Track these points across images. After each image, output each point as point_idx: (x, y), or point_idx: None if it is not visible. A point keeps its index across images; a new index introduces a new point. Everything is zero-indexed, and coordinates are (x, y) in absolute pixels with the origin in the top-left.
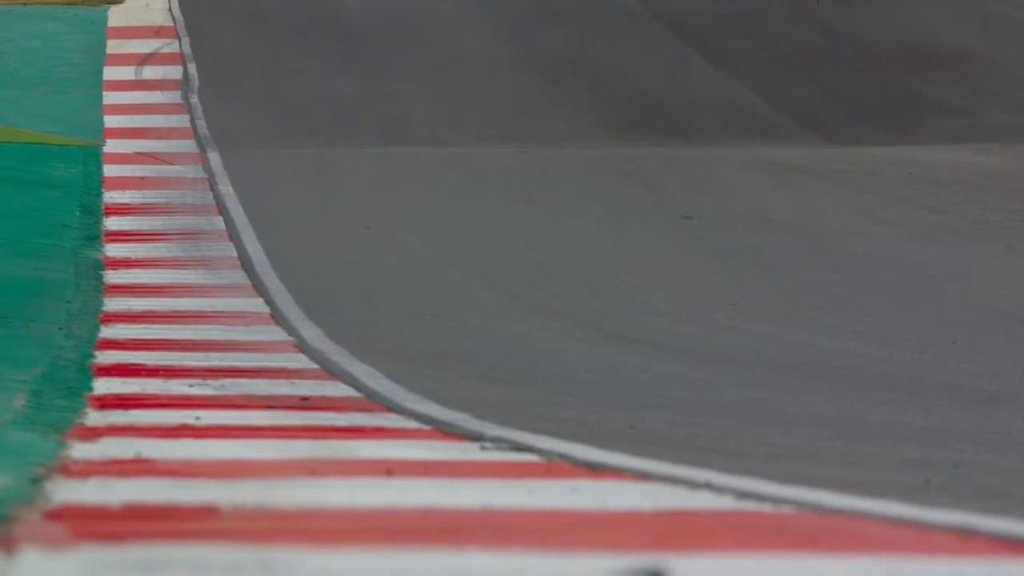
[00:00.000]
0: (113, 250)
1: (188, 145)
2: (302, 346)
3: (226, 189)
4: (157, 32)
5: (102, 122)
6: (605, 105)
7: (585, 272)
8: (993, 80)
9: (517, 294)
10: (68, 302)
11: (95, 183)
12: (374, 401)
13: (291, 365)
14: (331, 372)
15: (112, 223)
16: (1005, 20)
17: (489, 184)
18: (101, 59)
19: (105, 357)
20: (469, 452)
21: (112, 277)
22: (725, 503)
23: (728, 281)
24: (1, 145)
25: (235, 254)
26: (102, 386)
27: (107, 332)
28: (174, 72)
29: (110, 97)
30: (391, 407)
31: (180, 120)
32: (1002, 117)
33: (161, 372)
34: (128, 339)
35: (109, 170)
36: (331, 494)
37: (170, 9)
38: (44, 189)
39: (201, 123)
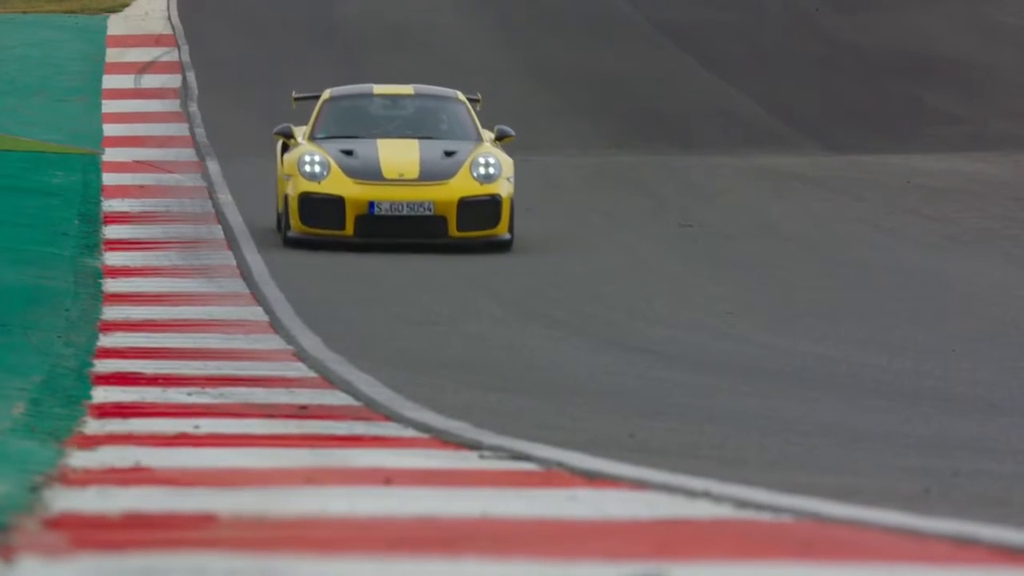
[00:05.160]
0: (112, 258)
1: (187, 153)
2: (301, 355)
3: (225, 197)
4: (156, 40)
5: (101, 130)
6: (605, 113)
7: (584, 280)
8: (993, 88)
9: (516, 302)
10: (67, 310)
11: (94, 191)
12: (373, 410)
13: (290, 374)
14: (330, 381)
15: (111, 231)
16: (1005, 28)
17: None
18: (100, 67)
19: (104, 365)
20: (467, 460)
21: (111, 285)
22: (723, 511)
23: (727, 289)
24: (0, 153)
25: (234, 263)
26: (101, 394)
27: (106, 340)
28: (173, 80)
29: (109, 105)
30: (390, 415)
31: (179, 128)
32: (1001, 125)
33: (160, 380)
34: (127, 347)
35: (108, 178)
36: (330, 502)
37: (169, 18)
38: (43, 197)
39: (200, 131)
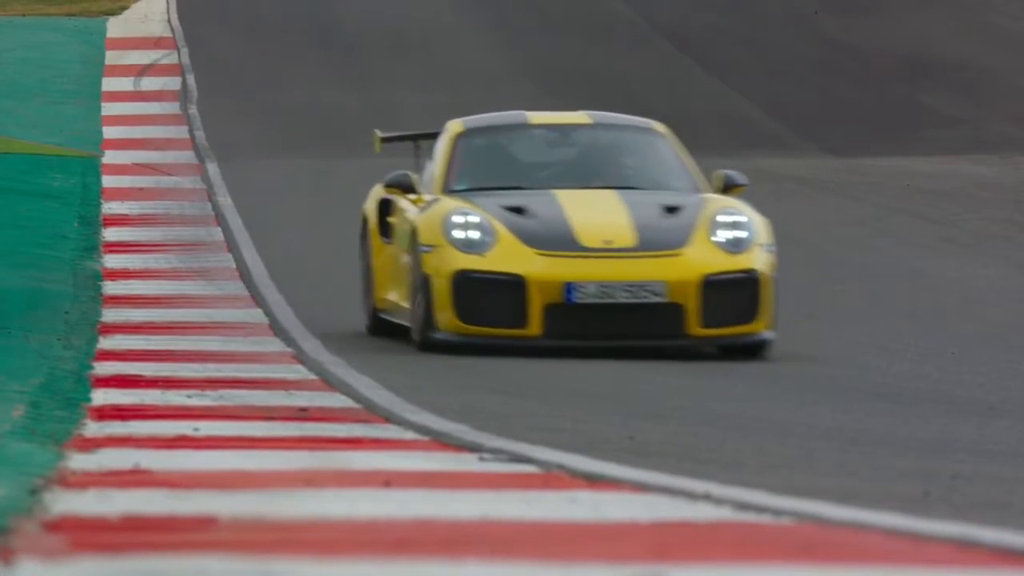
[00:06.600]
0: (111, 261)
1: (187, 156)
2: (300, 357)
3: (224, 200)
4: (156, 43)
5: (101, 133)
6: None
7: None
8: (992, 91)
9: None
10: (67, 313)
11: (94, 194)
12: (372, 412)
13: (289, 376)
14: (329, 383)
15: (111, 234)
16: (1004, 31)
17: None
18: (100, 70)
19: (103, 368)
20: (467, 463)
21: (110, 288)
22: (723, 514)
23: None
24: None
25: (234, 265)
26: (100, 397)
27: (105, 343)
28: (173, 83)
29: (109, 108)
30: (389, 418)
31: (179, 131)
32: (1001, 128)
33: (159, 383)
34: (126, 350)
35: (108, 181)
36: (329, 505)
37: (169, 20)
38: (42, 200)
39: (200, 134)
